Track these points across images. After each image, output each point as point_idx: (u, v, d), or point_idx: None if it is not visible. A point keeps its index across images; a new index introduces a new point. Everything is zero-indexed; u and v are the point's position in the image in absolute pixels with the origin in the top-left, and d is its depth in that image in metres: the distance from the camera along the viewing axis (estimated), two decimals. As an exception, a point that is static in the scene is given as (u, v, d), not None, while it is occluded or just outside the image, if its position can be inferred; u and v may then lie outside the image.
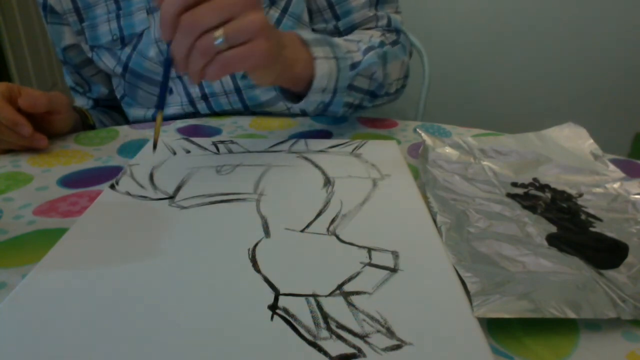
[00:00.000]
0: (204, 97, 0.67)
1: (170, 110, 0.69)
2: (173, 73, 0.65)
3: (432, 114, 1.09)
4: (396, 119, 0.65)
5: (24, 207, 0.40)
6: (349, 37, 0.61)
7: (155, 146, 0.43)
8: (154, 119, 0.70)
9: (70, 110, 0.58)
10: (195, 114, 0.68)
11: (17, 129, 0.48)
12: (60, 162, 0.49)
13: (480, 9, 1.63)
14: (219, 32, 0.36)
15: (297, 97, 0.52)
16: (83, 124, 0.66)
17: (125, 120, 0.78)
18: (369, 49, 0.57)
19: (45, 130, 0.53)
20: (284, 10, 0.64)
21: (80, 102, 0.77)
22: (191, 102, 0.67)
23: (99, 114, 0.74)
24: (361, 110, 0.62)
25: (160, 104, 0.42)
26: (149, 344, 0.24)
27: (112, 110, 0.79)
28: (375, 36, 0.62)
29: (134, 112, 0.72)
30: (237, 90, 0.66)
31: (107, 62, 0.68)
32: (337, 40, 0.55)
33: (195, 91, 0.66)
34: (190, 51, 0.37)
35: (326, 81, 0.50)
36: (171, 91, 0.67)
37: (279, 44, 0.43)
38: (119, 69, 0.67)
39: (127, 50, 0.65)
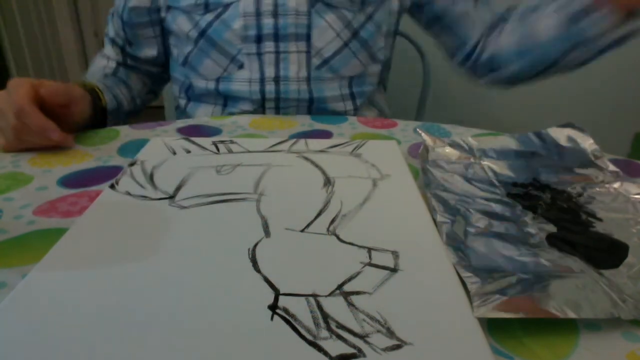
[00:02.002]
0: (277, 79, 0.67)
1: (235, 85, 0.68)
2: (253, 48, 0.66)
3: (432, 114, 1.09)
4: (396, 119, 0.65)
5: (24, 207, 0.40)
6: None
7: None
8: (216, 92, 0.70)
9: (86, 101, 0.59)
10: (261, 101, 0.68)
11: (46, 134, 0.49)
12: (60, 162, 0.49)
13: (480, 9, 1.63)
14: None
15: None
16: (95, 106, 0.64)
17: (143, 91, 0.79)
18: None
19: (65, 122, 0.53)
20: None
21: (111, 54, 0.77)
22: (261, 80, 0.67)
23: (116, 85, 0.72)
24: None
25: None
26: (148, 344, 0.24)
27: (134, 75, 0.78)
28: None
29: (197, 82, 0.71)
30: (309, 79, 0.67)
31: (182, 25, 0.68)
32: None
33: (269, 70, 0.67)
34: None
35: None
36: (242, 66, 0.67)
37: None
38: (194, 34, 0.67)
39: (209, 17, 0.66)
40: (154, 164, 0.46)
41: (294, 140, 0.53)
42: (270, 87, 0.67)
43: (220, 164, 0.46)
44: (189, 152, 0.49)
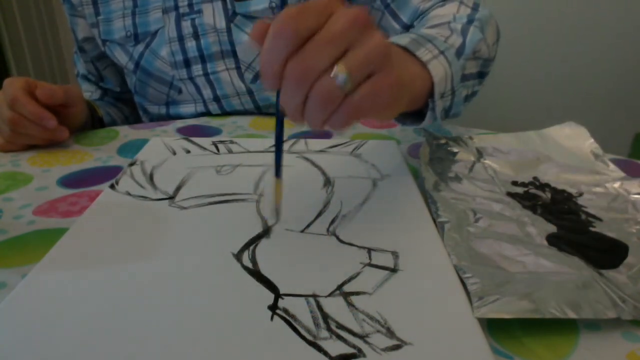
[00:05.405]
0: (216, 98, 0.67)
1: (182, 108, 0.69)
2: (184, 74, 0.65)
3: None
4: (396, 118, 0.65)
5: (24, 207, 0.40)
6: (433, 21, 0.54)
7: (278, 213, 0.37)
8: (168, 116, 0.70)
9: (84, 102, 0.59)
10: (207, 113, 0.68)
11: (42, 122, 0.49)
12: (60, 162, 0.49)
13: (480, 8, 1.63)
14: (339, 68, 0.27)
15: (411, 115, 0.44)
16: (92, 117, 0.65)
17: (134, 114, 0.78)
18: (468, 24, 0.50)
19: (61, 124, 0.53)
20: None
21: (89, 89, 0.77)
22: (203, 102, 0.67)
23: (106, 106, 0.74)
24: (473, 98, 0.54)
25: (277, 170, 0.34)
26: (148, 344, 0.24)
27: (120, 102, 0.79)
28: (460, 11, 0.54)
29: (149, 108, 0.72)
30: (249, 92, 0.66)
31: (120, 57, 0.68)
32: (427, 31, 0.47)
33: (207, 92, 0.66)
34: (306, 101, 0.28)
35: (444, 84, 0.42)
36: (180, 91, 0.67)
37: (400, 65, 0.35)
38: (130, 66, 0.67)
39: (140, 47, 0.66)
40: (154, 164, 0.46)
41: (294, 140, 0.53)
42: (213, 106, 0.67)
43: (220, 164, 0.46)
44: (188, 152, 0.49)
